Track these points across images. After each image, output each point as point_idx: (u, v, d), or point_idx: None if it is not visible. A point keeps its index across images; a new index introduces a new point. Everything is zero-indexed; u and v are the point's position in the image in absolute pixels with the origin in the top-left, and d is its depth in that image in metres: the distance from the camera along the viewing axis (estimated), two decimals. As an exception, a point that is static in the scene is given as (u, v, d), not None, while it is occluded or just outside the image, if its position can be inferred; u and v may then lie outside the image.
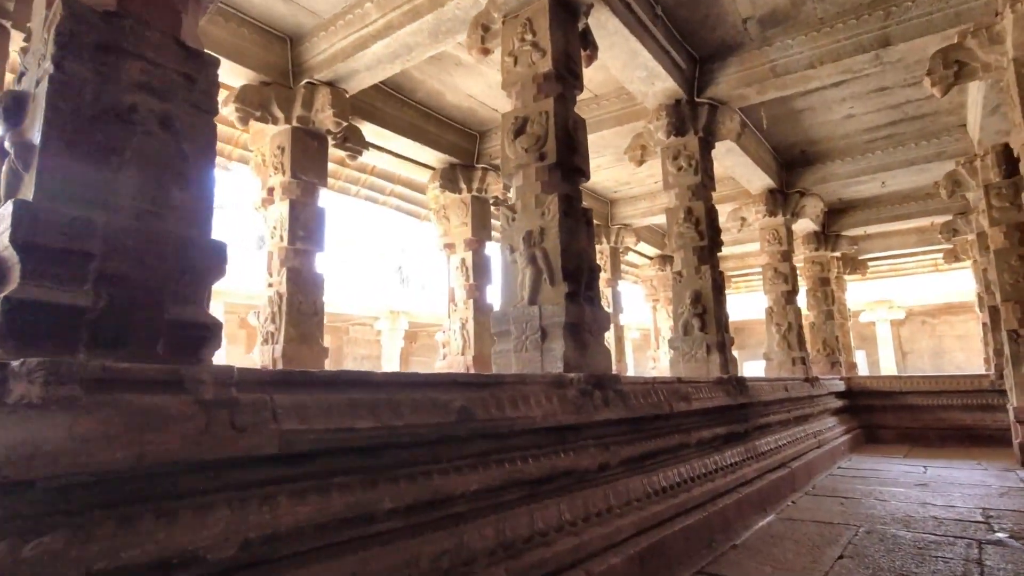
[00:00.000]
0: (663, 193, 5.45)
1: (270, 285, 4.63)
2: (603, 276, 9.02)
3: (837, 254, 10.90)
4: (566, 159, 3.16)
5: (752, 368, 18.08)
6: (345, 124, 4.71)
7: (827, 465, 6.20)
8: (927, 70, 4.28)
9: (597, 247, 9.06)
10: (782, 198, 7.57)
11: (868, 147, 7.12)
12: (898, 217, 9.19)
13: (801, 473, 5.27)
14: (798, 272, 10.26)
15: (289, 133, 4.69)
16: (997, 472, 5.77)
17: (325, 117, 4.62)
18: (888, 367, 16.75)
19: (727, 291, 13.93)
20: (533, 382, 2.55)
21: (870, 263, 11.66)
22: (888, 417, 8.70)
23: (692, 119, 5.03)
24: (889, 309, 16.56)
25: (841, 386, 8.74)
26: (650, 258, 12.06)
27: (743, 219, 7.92)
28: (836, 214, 9.58)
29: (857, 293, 16.32)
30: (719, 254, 5.17)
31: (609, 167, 7.53)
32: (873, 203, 9.23)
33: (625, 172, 7.75)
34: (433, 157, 6.40)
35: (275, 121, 4.66)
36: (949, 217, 8.94)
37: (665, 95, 4.92)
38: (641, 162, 5.48)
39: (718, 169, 6.96)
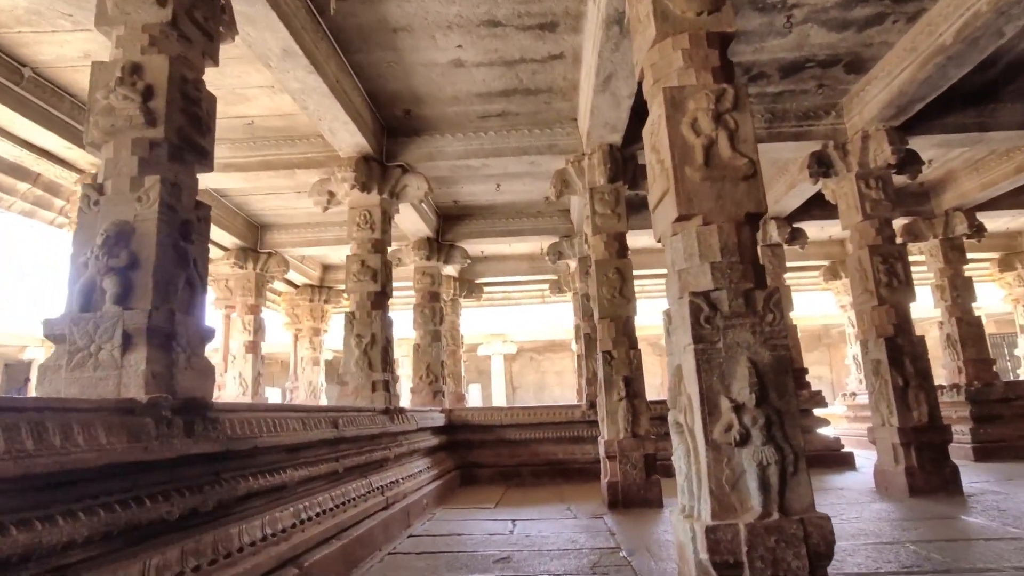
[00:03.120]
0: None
1: None
2: (248, 302, 8.65)
3: (453, 271, 9.89)
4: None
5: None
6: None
7: (395, 534, 4.30)
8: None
9: (241, 271, 8.45)
10: (380, 170, 5.77)
11: (482, 124, 5.87)
12: (512, 233, 8.47)
13: (334, 563, 3.16)
14: (411, 288, 8.83)
15: None
16: (586, 521, 4.68)
17: None
18: (500, 401, 17.02)
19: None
20: None
21: (485, 288, 11.06)
22: (487, 454, 7.57)
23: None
24: (503, 343, 16.94)
25: (441, 420, 7.29)
26: (296, 286, 11.00)
27: (331, 193, 5.85)
28: (452, 220, 8.41)
29: (475, 324, 16.24)
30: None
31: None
32: (489, 212, 8.33)
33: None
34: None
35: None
36: (557, 239, 8.58)
37: None
38: None
39: (286, 105, 4.76)
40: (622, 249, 5.64)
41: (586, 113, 5.24)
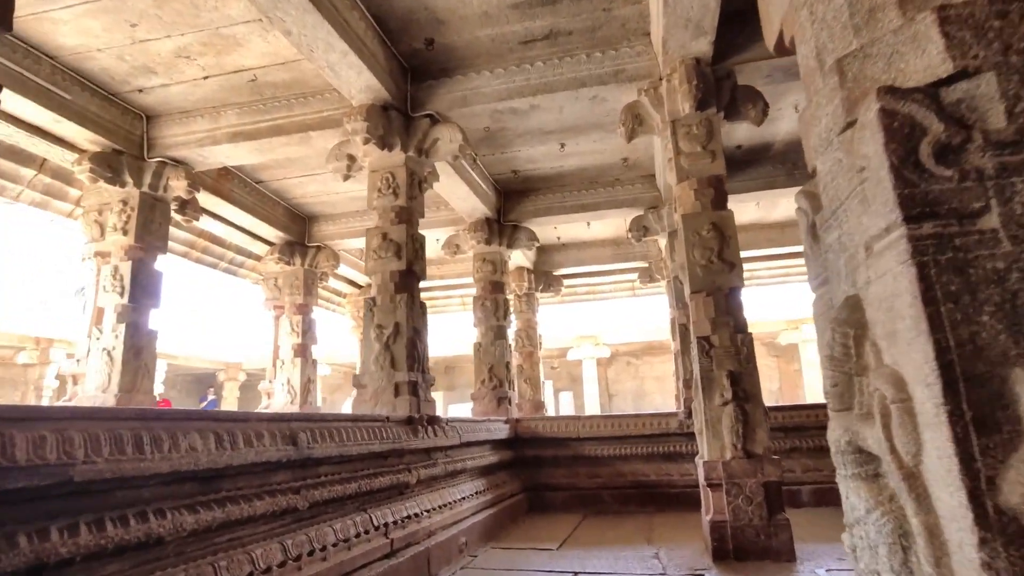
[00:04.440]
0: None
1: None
2: (296, 301, 7.66)
3: (525, 260, 8.64)
4: None
5: (461, 413, 15.38)
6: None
7: (400, 594, 3.08)
8: None
9: (288, 267, 7.68)
10: (402, 121, 4.65)
11: (526, 53, 4.60)
12: (585, 208, 7.10)
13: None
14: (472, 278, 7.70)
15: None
16: (679, 579, 3.23)
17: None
18: (593, 410, 15.48)
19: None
20: None
21: (565, 280, 9.70)
22: (560, 473, 6.20)
23: None
24: (595, 346, 15.42)
25: (503, 431, 6.03)
26: (360, 286, 10.20)
27: (350, 157, 4.81)
28: (514, 197, 7.18)
29: (561, 326, 14.86)
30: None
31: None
32: (555, 183, 7.01)
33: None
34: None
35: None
36: (641, 212, 7.10)
37: None
38: None
39: (284, 49, 3.76)
40: (719, 198, 4.13)
41: (659, 12, 3.82)
